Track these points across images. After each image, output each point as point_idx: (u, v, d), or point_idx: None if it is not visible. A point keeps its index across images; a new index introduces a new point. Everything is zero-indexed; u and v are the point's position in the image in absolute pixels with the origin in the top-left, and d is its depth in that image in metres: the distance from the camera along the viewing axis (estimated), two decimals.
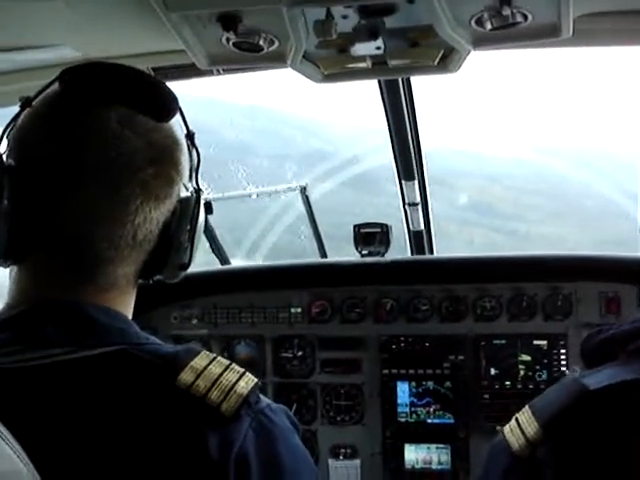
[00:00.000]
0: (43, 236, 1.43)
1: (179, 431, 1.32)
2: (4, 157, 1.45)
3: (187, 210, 1.53)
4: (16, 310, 1.41)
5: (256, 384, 1.42)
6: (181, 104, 1.55)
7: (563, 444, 1.51)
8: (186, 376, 1.36)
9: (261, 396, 1.44)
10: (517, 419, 1.63)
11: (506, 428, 1.65)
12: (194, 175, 1.60)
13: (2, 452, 1.13)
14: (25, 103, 1.50)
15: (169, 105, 1.53)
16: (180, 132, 1.56)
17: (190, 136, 1.59)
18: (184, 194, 1.55)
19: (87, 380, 1.35)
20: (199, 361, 1.40)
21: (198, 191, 1.57)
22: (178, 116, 1.56)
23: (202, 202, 1.59)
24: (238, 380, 1.39)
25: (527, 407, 1.64)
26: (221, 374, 1.39)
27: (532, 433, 1.55)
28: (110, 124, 1.42)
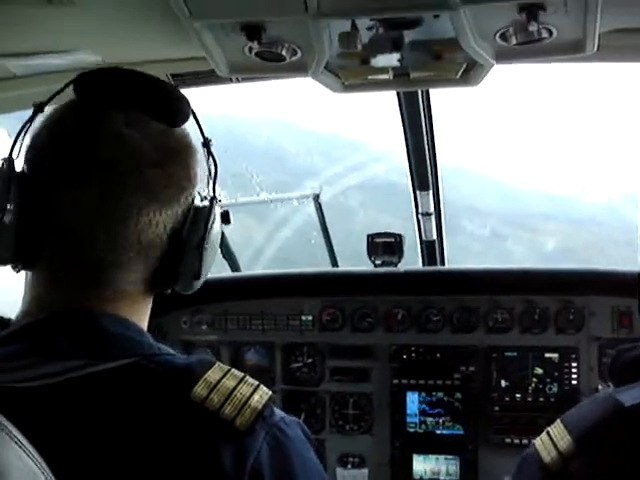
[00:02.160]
0: (49, 240, 1.42)
1: (194, 446, 1.31)
2: (17, 161, 1.45)
3: (199, 218, 1.50)
4: (29, 319, 1.40)
5: (270, 397, 1.40)
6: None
7: (597, 458, 1.52)
8: (200, 390, 1.35)
9: (275, 409, 1.42)
10: (548, 432, 1.64)
11: (537, 441, 1.66)
12: (210, 183, 1.59)
13: (31, 472, 1.12)
14: (38, 108, 1.50)
15: (180, 110, 1.53)
16: (196, 139, 1.55)
17: (206, 143, 1.59)
18: (198, 201, 1.53)
19: (101, 396, 1.33)
20: (212, 374, 1.38)
21: (213, 199, 1.55)
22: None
23: (218, 211, 1.57)
24: (252, 394, 1.38)
25: (559, 421, 1.65)
26: (235, 387, 1.38)
27: (565, 446, 1.56)
28: (117, 126, 1.41)
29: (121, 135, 1.41)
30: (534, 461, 1.63)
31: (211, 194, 1.57)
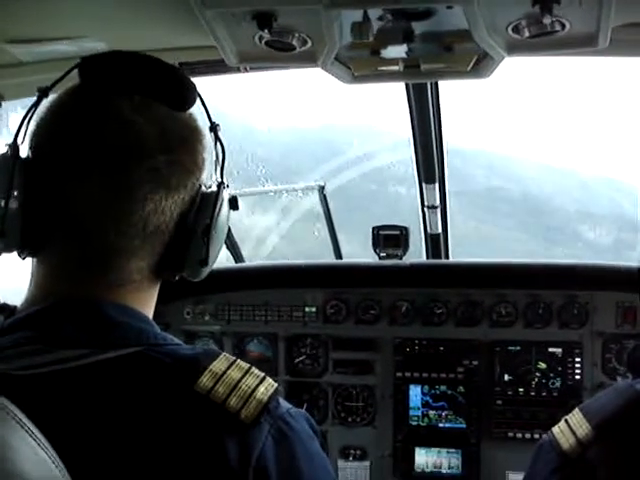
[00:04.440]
0: (54, 227, 1.42)
1: (199, 437, 1.30)
2: (22, 147, 1.44)
3: (206, 204, 1.49)
4: (35, 308, 1.40)
5: (276, 389, 1.39)
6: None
7: (616, 445, 1.56)
8: (205, 380, 1.34)
9: (281, 400, 1.41)
10: (567, 421, 1.67)
11: (555, 429, 1.69)
12: (218, 168, 1.57)
13: (39, 458, 1.12)
14: (42, 93, 1.49)
15: (187, 94, 1.51)
16: (203, 123, 1.54)
17: (213, 128, 1.57)
18: (206, 187, 1.52)
19: (104, 385, 1.33)
20: (218, 364, 1.38)
21: (220, 185, 1.53)
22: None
23: (226, 196, 1.55)
24: (258, 385, 1.37)
25: (577, 409, 1.68)
26: (241, 379, 1.37)
27: (583, 434, 1.60)
28: (122, 111, 1.40)
29: (127, 121, 1.40)
30: (552, 448, 1.66)
31: (219, 180, 1.55)
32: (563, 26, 1.84)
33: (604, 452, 1.55)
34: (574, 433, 1.61)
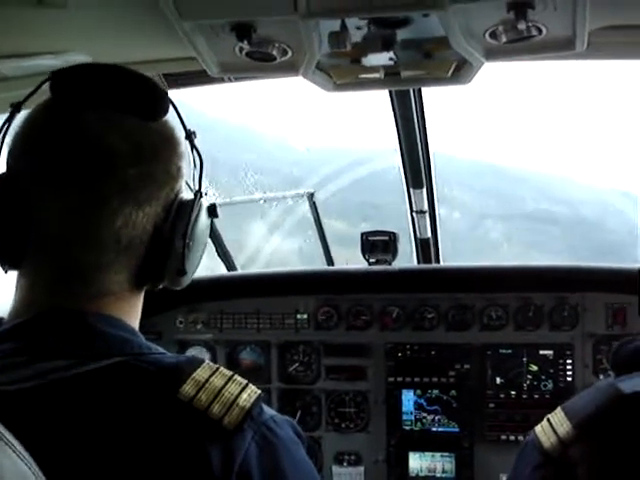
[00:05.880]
0: (30, 242, 1.42)
1: (182, 446, 1.30)
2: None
3: (182, 213, 1.48)
4: (19, 319, 1.40)
5: (259, 396, 1.39)
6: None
7: (596, 444, 1.55)
8: (188, 388, 1.34)
9: (265, 407, 1.41)
10: (549, 419, 1.67)
11: (538, 428, 1.69)
12: (196, 177, 1.56)
13: (18, 469, 1.12)
14: (15, 108, 1.50)
15: (157, 103, 1.50)
16: (177, 132, 1.52)
17: (189, 136, 1.56)
18: (182, 196, 1.50)
19: (89, 396, 1.33)
20: (201, 372, 1.38)
21: (197, 193, 1.53)
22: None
23: (204, 205, 1.55)
24: (240, 392, 1.37)
25: (559, 408, 1.68)
26: (223, 386, 1.37)
27: (564, 432, 1.60)
28: (90, 126, 1.40)
29: (95, 136, 1.39)
30: (534, 447, 1.67)
31: (196, 188, 1.54)
32: (540, 31, 1.86)
33: (585, 451, 1.56)
34: (555, 432, 1.62)
